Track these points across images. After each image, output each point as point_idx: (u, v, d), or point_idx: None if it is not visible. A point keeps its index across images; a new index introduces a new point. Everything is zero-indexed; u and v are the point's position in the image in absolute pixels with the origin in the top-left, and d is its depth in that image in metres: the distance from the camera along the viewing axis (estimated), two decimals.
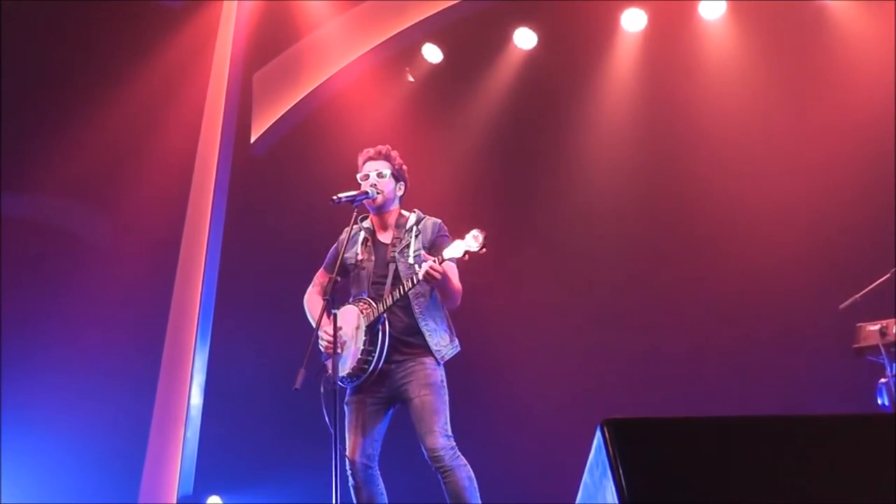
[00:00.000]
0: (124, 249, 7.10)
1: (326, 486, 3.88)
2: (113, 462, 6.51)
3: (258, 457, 6.83)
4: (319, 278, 4.43)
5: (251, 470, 6.83)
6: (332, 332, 4.06)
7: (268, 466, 6.80)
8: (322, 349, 4.16)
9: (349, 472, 4.07)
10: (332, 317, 4.04)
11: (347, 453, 4.07)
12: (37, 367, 6.55)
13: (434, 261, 3.89)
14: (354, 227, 4.29)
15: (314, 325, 4.13)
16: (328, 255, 4.44)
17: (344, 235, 4.29)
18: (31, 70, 6.84)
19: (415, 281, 3.98)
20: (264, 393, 6.60)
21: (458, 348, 4.22)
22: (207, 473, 6.68)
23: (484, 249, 3.83)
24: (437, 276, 3.88)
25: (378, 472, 4.12)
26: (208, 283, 7.03)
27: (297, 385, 3.79)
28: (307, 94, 7.46)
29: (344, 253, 4.26)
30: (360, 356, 4.04)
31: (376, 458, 4.12)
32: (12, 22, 6.47)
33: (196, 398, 6.78)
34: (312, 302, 4.39)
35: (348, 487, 4.09)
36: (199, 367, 6.83)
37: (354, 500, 4.08)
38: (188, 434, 6.65)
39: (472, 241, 3.83)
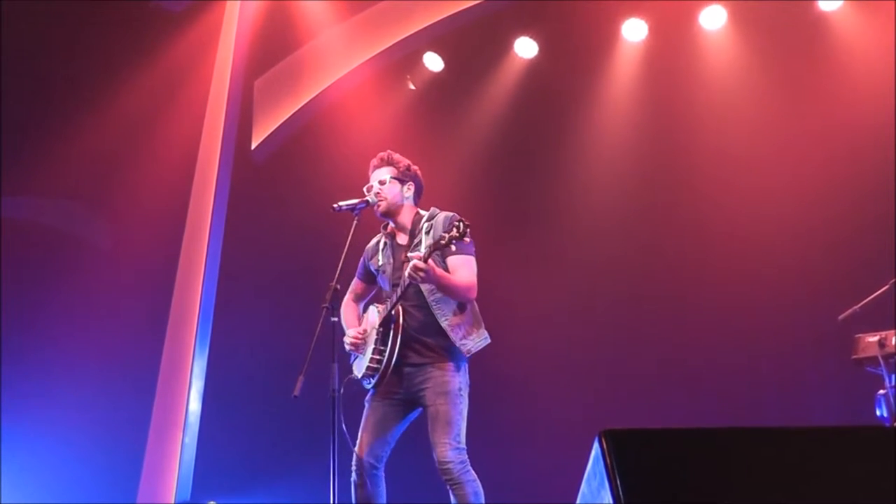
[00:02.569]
0: (124, 253, 7.10)
1: (325, 492, 3.89)
2: (111, 467, 6.51)
3: (256, 463, 6.82)
4: (353, 287, 4.44)
5: (249, 476, 6.83)
6: (356, 333, 4.13)
7: (266, 472, 6.80)
8: (346, 349, 4.19)
9: (353, 468, 4.05)
10: (332, 321, 4.06)
11: (356, 449, 4.05)
12: (37, 370, 6.56)
13: (420, 257, 3.81)
14: (379, 234, 4.35)
15: (346, 331, 4.19)
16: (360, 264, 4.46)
17: (370, 243, 4.36)
18: (32, 73, 6.84)
19: (405, 283, 3.93)
20: (263, 399, 6.60)
21: (488, 340, 4.11)
22: (205, 479, 6.67)
23: (467, 239, 3.80)
24: (421, 273, 3.79)
25: (382, 475, 4.09)
26: (208, 289, 7.03)
27: (296, 392, 3.79)
28: (308, 101, 7.47)
29: (368, 261, 4.33)
30: (371, 356, 4.05)
31: (384, 460, 4.10)
32: (12, 25, 6.48)
33: (194, 404, 6.77)
34: (345, 309, 4.37)
35: (348, 483, 4.06)
36: (198, 373, 6.83)
37: (353, 497, 4.04)
38: (186, 440, 6.65)
39: (455, 229, 3.77)
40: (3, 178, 6.63)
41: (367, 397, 4.19)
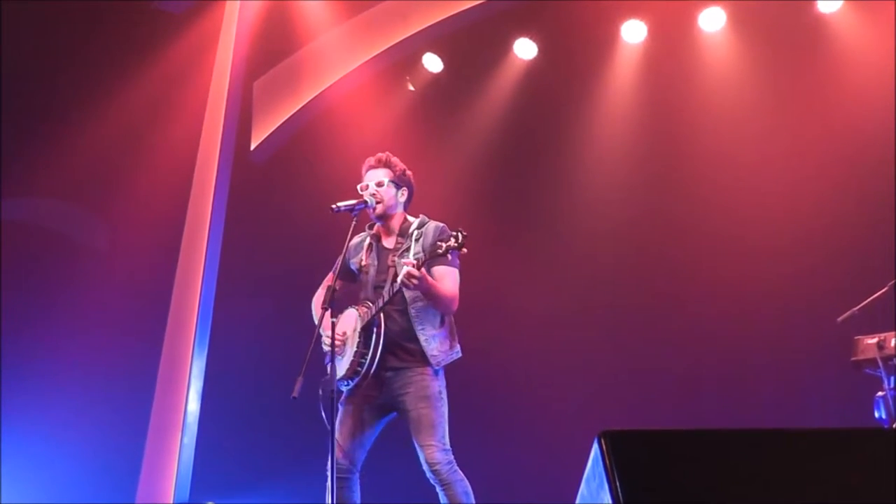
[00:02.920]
0: (123, 254, 7.10)
1: (323, 492, 3.88)
2: (110, 467, 6.51)
3: (255, 463, 6.82)
4: (327, 281, 4.42)
5: (248, 476, 6.82)
6: (330, 335, 4.08)
7: (265, 473, 6.79)
8: (323, 351, 4.15)
9: (329, 472, 4.01)
10: (331, 322, 4.05)
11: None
12: (36, 371, 6.54)
13: (414, 264, 3.83)
14: (362, 233, 4.33)
15: (317, 325, 4.15)
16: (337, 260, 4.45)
17: (352, 241, 4.31)
18: (32, 74, 6.84)
19: (395, 288, 3.94)
20: (262, 400, 6.60)
21: (459, 354, 4.16)
22: (204, 480, 6.66)
23: (465, 250, 3.81)
24: (414, 280, 3.82)
25: (357, 478, 4.10)
26: (207, 289, 7.02)
27: (295, 394, 3.77)
28: (307, 102, 7.47)
29: (350, 259, 4.31)
30: (353, 358, 4.04)
31: (360, 464, 4.10)
32: (12, 26, 6.48)
33: (193, 404, 6.77)
34: (318, 303, 4.36)
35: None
36: (197, 374, 6.82)
37: (327, 498, 4.03)
38: (185, 440, 6.64)
39: (453, 239, 3.80)
40: (2, 180, 6.63)
41: (342, 400, 4.16)
